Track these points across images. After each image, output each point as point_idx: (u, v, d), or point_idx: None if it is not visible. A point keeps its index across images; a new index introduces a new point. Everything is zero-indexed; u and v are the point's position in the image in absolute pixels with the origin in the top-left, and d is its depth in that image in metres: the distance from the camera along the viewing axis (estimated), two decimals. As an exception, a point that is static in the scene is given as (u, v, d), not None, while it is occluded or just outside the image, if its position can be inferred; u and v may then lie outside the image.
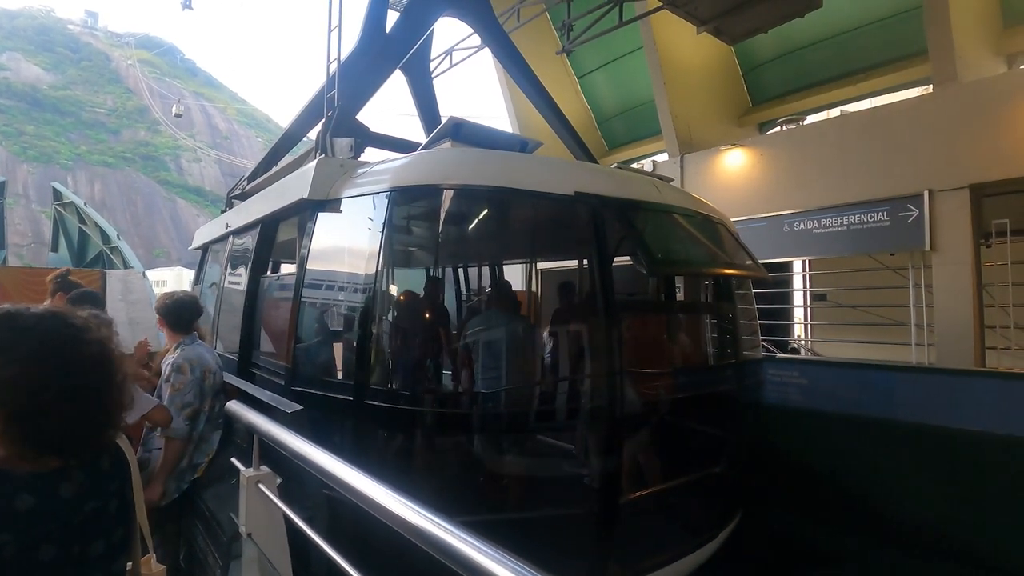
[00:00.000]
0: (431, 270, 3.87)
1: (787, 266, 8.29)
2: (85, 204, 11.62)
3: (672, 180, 3.76)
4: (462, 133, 3.07)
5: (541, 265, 6.32)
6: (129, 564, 1.24)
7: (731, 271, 3.11)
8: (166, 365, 3.11)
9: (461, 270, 5.70)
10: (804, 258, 7.65)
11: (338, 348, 2.72)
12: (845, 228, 6.74)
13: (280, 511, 2.11)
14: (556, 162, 2.99)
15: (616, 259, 2.69)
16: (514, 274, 6.18)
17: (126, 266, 9.48)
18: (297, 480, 2.32)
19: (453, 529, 1.06)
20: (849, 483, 4.24)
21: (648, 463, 2.83)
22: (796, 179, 7.21)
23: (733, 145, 7.84)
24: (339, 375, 2.67)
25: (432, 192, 2.68)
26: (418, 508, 1.17)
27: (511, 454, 2.64)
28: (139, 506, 1.25)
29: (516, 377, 2.76)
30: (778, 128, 8.12)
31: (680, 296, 4.16)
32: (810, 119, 8.54)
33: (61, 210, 12.10)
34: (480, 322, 3.07)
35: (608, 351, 2.39)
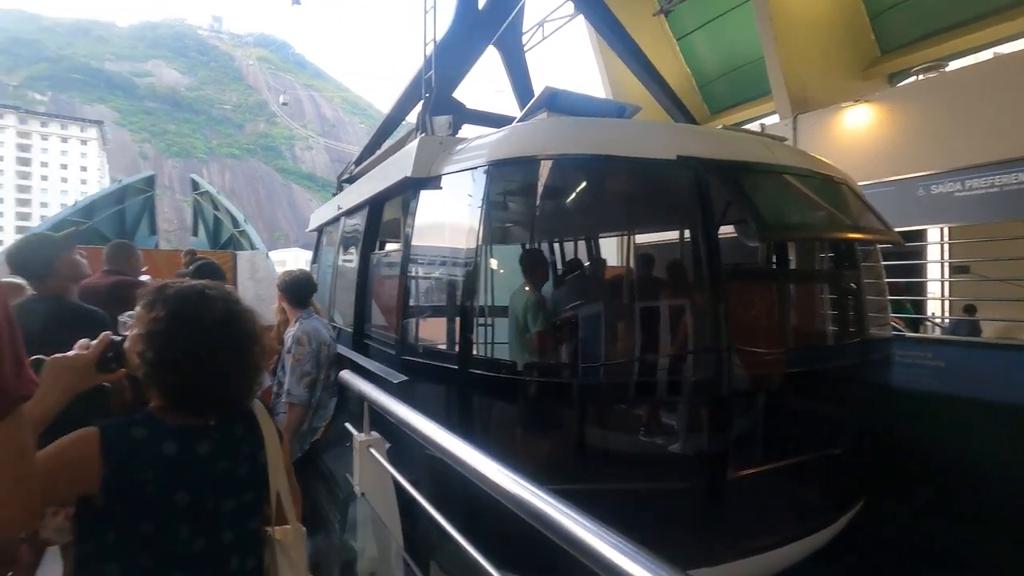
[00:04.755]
0: (531, 242, 3.87)
1: (920, 235, 7.37)
2: (218, 192, 12.96)
3: (785, 140, 3.46)
4: (558, 102, 3.02)
5: (647, 236, 6.09)
6: (268, 529, 1.31)
7: (857, 236, 2.81)
8: (288, 337, 3.41)
9: (562, 241, 5.65)
10: (943, 225, 6.74)
11: (444, 319, 2.83)
12: (996, 190, 5.82)
13: (389, 474, 2.25)
14: (656, 126, 2.86)
15: (723, 227, 2.53)
16: (617, 245, 6.02)
17: (252, 248, 10.47)
18: (404, 445, 2.46)
19: (549, 499, 1.06)
20: (986, 476, 3.77)
21: (760, 441, 2.69)
22: (935, 136, 6.34)
23: (857, 101, 7.04)
24: (445, 345, 2.78)
25: (529, 164, 2.67)
26: (515, 477, 1.19)
27: (612, 426, 2.62)
28: (277, 474, 1.31)
29: (618, 350, 2.70)
30: (913, 78, 7.16)
31: (794, 267, 3.85)
32: (953, 65, 7.43)
33: (199, 199, 13.60)
34: (580, 294, 3.05)
35: (717, 324, 2.28)
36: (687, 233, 3.26)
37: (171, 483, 1.13)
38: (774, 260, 3.64)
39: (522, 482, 1.13)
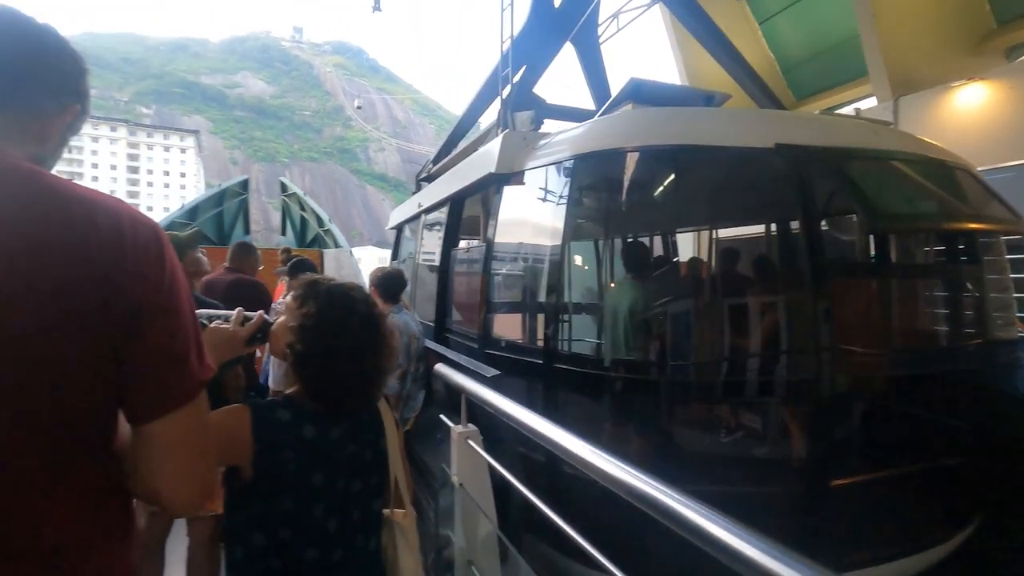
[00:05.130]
0: (618, 236, 3.80)
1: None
2: (304, 194, 13.72)
3: (891, 124, 3.20)
4: (643, 93, 2.96)
5: (742, 230, 5.83)
6: (386, 511, 1.39)
7: (980, 226, 2.55)
8: None
9: (649, 236, 5.50)
10: (1075, 214, 6.00)
11: (527, 313, 2.84)
12: None
13: (485, 463, 2.29)
14: (751, 113, 2.74)
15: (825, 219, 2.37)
16: (705, 239, 5.76)
17: (336, 246, 11.01)
18: (496, 436, 2.49)
19: (681, 497, 1.04)
20: None
21: (866, 448, 2.50)
22: (1066, 114, 5.64)
23: (970, 79, 6.39)
24: (529, 339, 2.79)
25: (615, 156, 2.62)
26: (642, 475, 1.17)
27: (700, 426, 2.53)
28: (396, 460, 1.39)
29: (734, 348, 2.57)
30: (1039, 50, 6.41)
31: (905, 261, 3.54)
32: (1089, 33, 6.58)
33: (287, 200, 14.45)
34: (668, 290, 2.94)
35: (821, 323, 2.14)
36: (786, 226, 3.08)
37: (310, 464, 1.21)
38: (878, 254, 3.37)
39: (652, 482, 1.11)
